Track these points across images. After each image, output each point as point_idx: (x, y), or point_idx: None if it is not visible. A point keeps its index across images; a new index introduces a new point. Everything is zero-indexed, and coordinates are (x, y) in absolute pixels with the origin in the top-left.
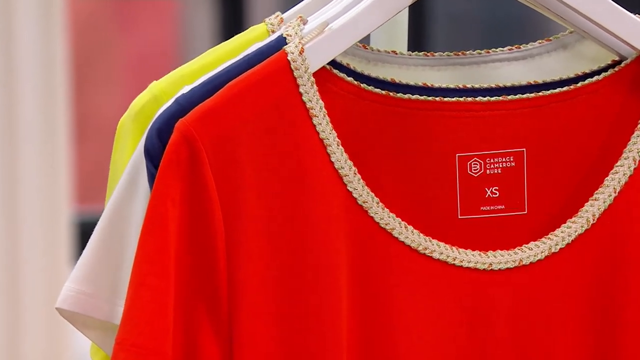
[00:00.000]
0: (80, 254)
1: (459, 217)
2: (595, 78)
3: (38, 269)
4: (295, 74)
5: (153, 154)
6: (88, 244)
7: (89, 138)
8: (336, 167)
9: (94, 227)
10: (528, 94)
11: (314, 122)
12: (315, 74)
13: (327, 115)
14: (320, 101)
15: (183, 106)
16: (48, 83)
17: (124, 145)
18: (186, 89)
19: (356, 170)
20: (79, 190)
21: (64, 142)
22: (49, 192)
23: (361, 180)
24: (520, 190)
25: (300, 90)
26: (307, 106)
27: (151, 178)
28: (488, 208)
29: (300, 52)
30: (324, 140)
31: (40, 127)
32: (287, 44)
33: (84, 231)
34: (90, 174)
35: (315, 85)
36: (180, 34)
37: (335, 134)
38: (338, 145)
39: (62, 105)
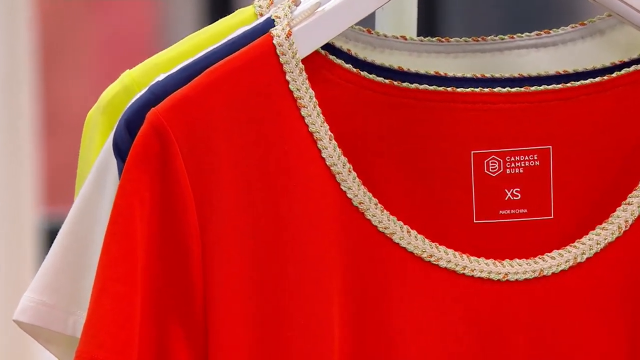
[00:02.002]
0: None
1: (474, 221)
2: (633, 68)
3: None
4: (281, 59)
5: (122, 149)
6: (50, 249)
7: (57, 132)
8: (328, 164)
9: None
10: (555, 85)
11: (303, 113)
12: (305, 60)
13: (317, 106)
14: (310, 90)
15: (157, 95)
16: (10, 71)
17: (92, 140)
18: (161, 76)
19: (351, 167)
20: (47, 190)
21: (28, 137)
22: (12, 193)
23: (357, 179)
24: (546, 192)
25: (287, 77)
26: (295, 95)
27: (120, 174)
28: (508, 212)
29: (287, 36)
30: (314, 134)
31: (1, 121)
32: (274, 26)
33: (53, 237)
34: (59, 173)
35: (304, 73)
36: (160, 17)
37: (327, 127)
38: (330, 140)
39: (27, 96)
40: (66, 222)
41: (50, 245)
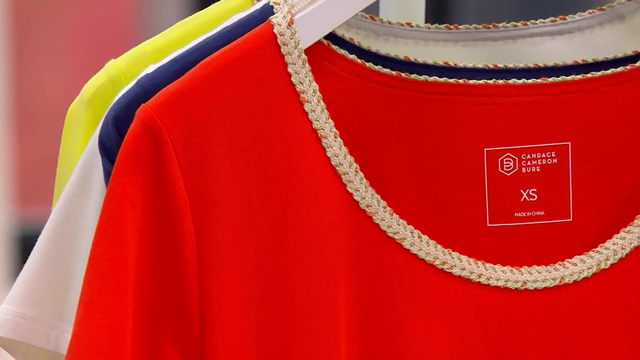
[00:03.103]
0: (22, 269)
1: (488, 225)
2: None
3: None
4: (282, 50)
5: (109, 147)
6: (30, 257)
7: (32, 128)
8: (333, 163)
9: (39, 236)
10: (574, 76)
11: (306, 108)
12: (307, 51)
13: (322, 101)
14: (314, 83)
15: (146, 89)
16: None
17: (75, 136)
18: (151, 68)
19: (358, 167)
20: (20, 191)
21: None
22: None
23: (364, 180)
24: (564, 193)
25: (289, 70)
26: (298, 89)
27: (107, 176)
28: (524, 214)
29: (289, 24)
30: (318, 131)
31: None
32: (274, 14)
33: (27, 241)
34: (33, 172)
35: (307, 64)
36: (144, 1)
37: (332, 124)
38: (336, 137)
39: None
40: (47, 226)
41: (24, 249)
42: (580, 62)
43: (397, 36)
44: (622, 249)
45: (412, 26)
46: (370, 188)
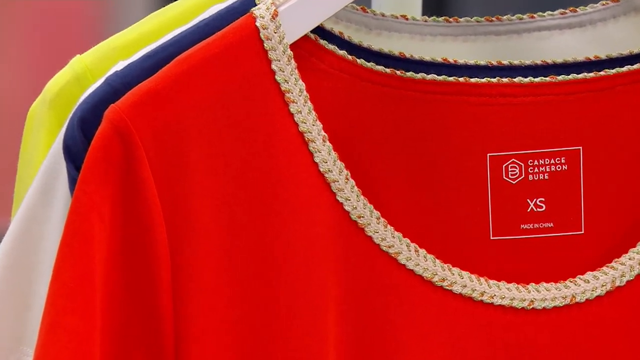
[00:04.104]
0: None
1: (491, 238)
2: None
3: None
4: (266, 45)
5: (75, 152)
6: None
7: None
8: (321, 170)
9: None
10: (586, 74)
11: (292, 109)
12: (293, 46)
13: (309, 101)
14: (300, 82)
15: (116, 88)
16: None
17: (37, 139)
18: (120, 65)
19: (348, 174)
20: None
21: None
22: None
23: (355, 188)
24: (575, 202)
25: (273, 67)
26: (282, 88)
27: (72, 184)
28: (531, 226)
29: (272, 17)
30: (305, 135)
31: None
32: (256, 5)
33: None
34: None
35: (293, 61)
36: None
37: (321, 126)
38: (324, 141)
39: None
40: (6, 239)
41: None
42: (593, 58)
43: (391, 30)
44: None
45: (407, 19)
46: (362, 197)
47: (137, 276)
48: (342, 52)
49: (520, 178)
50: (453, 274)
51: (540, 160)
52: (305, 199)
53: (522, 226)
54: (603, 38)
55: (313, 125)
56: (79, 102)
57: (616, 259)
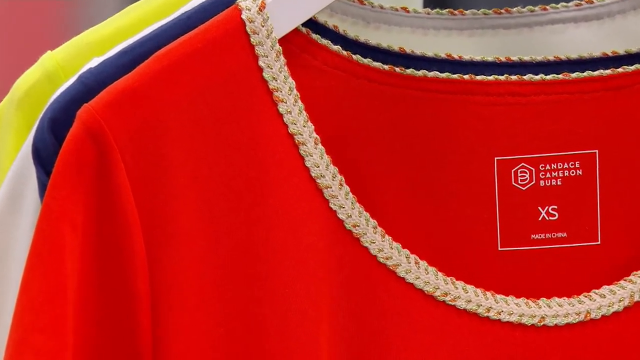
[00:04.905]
0: None
1: (499, 249)
2: None
3: None
4: (252, 39)
5: (45, 156)
6: None
7: None
8: (313, 175)
9: None
10: (603, 71)
11: (281, 109)
12: (282, 41)
13: (299, 100)
14: (290, 80)
15: (89, 86)
16: None
17: (3, 142)
18: (95, 61)
19: (343, 179)
20: None
21: None
22: None
23: (350, 195)
24: (591, 210)
25: (260, 63)
26: (270, 87)
27: (42, 190)
28: (542, 236)
29: (260, 9)
30: (295, 137)
31: None
32: None
33: None
34: None
35: (282, 57)
36: None
37: (312, 128)
38: (316, 144)
39: None
40: None
41: None
42: (610, 54)
43: (391, 23)
44: None
45: (408, 11)
46: (357, 204)
47: (113, 290)
48: (337, 48)
49: (530, 184)
50: (457, 288)
51: (553, 165)
52: (296, 206)
53: (532, 236)
54: (622, 32)
55: (304, 126)
56: (50, 102)
57: (635, 272)
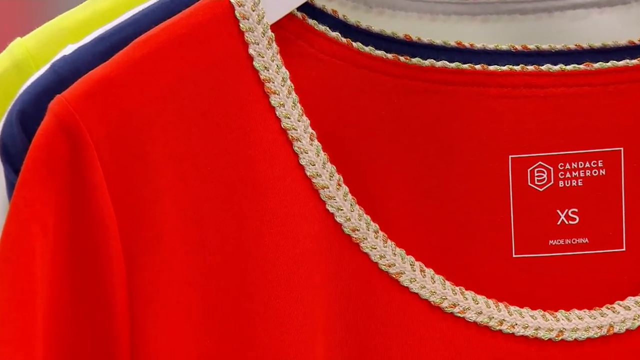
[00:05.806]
0: None
1: (513, 256)
2: None
3: None
4: (242, 25)
5: (13, 153)
6: None
7: None
8: (308, 174)
9: None
10: (629, 61)
11: (273, 102)
12: (275, 26)
13: (293, 92)
14: (284, 69)
15: (63, 76)
16: None
17: None
18: (69, 49)
19: (341, 179)
20: None
21: None
22: None
23: (349, 196)
24: (615, 214)
25: (251, 51)
26: (262, 77)
27: (10, 189)
28: (561, 242)
29: None
30: (289, 132)
31: None
32: None
33: None
34: None
35: (274, 44)
36: None
37: (308, 122)
38: (312, 140)
39: None
40: None
41: None
42: (638, 42)
43: (396, 8)
44: None
45: None
46: (357, 206)
47: (87, 297)
48: (335, 34)
49: (548, 184)
50: (466, 299)
51: (573, 164)
52: (289, 208)
53: (550, 242)
54: None
55: (299, 120)
56: (19, 93)
57: None
